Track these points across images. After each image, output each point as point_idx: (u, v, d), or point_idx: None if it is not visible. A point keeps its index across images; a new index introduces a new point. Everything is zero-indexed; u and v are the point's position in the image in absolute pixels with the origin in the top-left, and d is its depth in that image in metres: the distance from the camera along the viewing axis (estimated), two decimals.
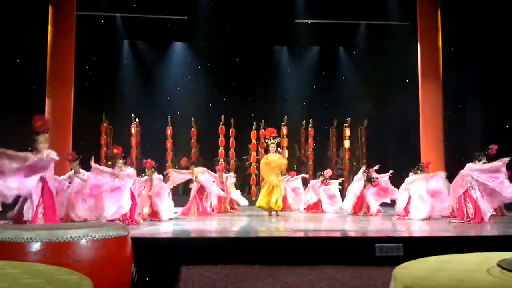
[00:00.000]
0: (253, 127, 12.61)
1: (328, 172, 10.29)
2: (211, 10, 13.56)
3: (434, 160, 9.21)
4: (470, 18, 11.06)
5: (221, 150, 12.60)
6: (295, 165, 13.29)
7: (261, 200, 8.62)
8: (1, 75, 9.98)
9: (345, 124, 12.64)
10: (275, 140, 8.93)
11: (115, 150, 7.08)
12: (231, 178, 10.24)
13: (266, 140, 9.05)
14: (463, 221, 6.83)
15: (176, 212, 8.07)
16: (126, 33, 13.73)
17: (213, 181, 9.09)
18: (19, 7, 10.16)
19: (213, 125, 12.70)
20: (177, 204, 8.46)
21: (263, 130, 12.46)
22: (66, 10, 10.58)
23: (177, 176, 9.06)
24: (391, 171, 9.07)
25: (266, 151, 9.19)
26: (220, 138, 12.64)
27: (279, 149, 9.43)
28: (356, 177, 9.37)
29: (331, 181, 10.11)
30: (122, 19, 13.53)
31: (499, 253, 1.72)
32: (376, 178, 8.94)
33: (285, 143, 12.66)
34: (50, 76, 10.42)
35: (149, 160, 8.20)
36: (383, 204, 9.10)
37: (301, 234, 5.80)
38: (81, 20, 11.32)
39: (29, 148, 5.61)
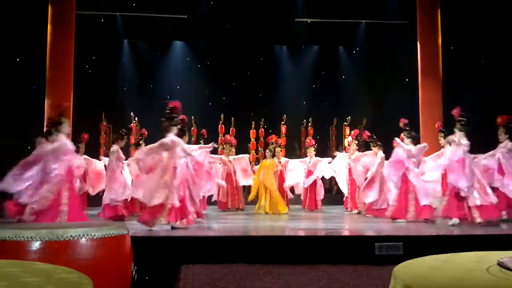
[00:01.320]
0: (252, 126, 12.60)
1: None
2: (211, 9, 13.56)
3: None
4: (470, 17, 11.05)
5: (220, 149, 12.60)
6: None
7: (262, 206, 8.99)
8: (1, 74, 9.97)
9: (345, 123, 12.61)
10: (271, 146, 9.55)
11: None
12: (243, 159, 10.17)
13: (269, 146, 9.62)
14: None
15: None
16: (126, 32, 13.71)
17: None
18: (19, 6, 10.15)
19: (212, 124, 12.68)
20: None
21: (262, 129, 12.50)
22: (65, 9, 10.57)
23: None
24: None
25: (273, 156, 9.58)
26: (219, 137, 12.64)
27: (276, 153, 9.64)
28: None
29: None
30: (122, 18, 13.52)
31: (499, 252, 1.72)
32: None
33: (284, 142, 12.65)
34: (50, 76, 10.42)
35: None
36: None
37: (301, 233, 5.81)
38: (81, 19, 11.31)
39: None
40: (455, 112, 6.65)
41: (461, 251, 1.87)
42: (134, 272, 2.73)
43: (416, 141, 7.22)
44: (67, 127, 5.95)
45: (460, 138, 6.44)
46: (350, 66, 14.52)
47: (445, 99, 11.11)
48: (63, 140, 5.80)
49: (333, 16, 13.37)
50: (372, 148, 8.47)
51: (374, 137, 8.51)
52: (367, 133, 9.13)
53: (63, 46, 10.44)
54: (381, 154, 8.07)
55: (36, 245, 2.33)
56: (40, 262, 1.84)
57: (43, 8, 10.49)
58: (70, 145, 5.89)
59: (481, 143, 7.82)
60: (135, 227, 5.53)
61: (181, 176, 5.60)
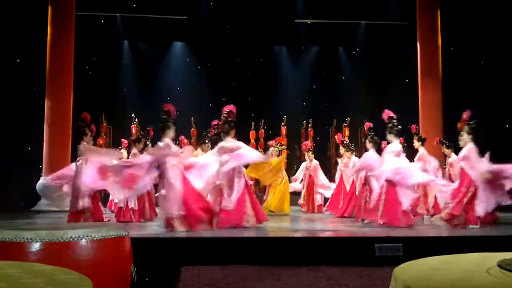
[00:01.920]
0: (252, 127, 12.60)
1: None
2: (211, 10, 13.56)
3: None
4: (470, 18, 11.06)
5: None
6: (294, 165, 13.27)
7: (272, 203, 9.03)
8: (1, 75, 9.96)
9: (344, 124, 12.61)
10: (279, 147, 9.64)
11: None
12: None
13: (277, 146, 9.69)
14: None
15: None
16: (126, 33, 13.71)
17: None
18: (19, 7, 10.15)
19: None
20: None
21: (263, 130, 12.49)
22: (65, 10, 10.57)
23: None
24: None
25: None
26: None
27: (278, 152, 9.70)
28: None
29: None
30: (122, 19, 13.51)
31: (499, 253, 1.73)
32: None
33: (284, 143, 12.66)
34: (50, 77, 10.41)
35: None
36: None
37: (301, 234, 5.80)
38: (81, 20, 11.30)
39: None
40: (384, 115, 6.66)
41: (461, 252, 1.87)
42: (134, 273, 2.73)
43: (378, 145, 7.11)
44: (172, 132, 5.90)
45: (391, 140, 6.45)
46: (350, 66, 14.51)
47: (445, 99, 11.12)
48: (171, 144, 5.81)
49: (333, 17, 13.37)
50: (345, 153, 8.34)
51: (347, 141, 8.44)
52: (339, 136, 9.07)
53: (63, 47, 10.44)
54: (354, 159, 7.96)
55: (36, 246, 2.33)
56: (40, 263, 1.84)
57: (43, 8, 10.48)
58: (177, 148, 6.00)
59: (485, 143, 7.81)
60: (136, 228, 5.53)
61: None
